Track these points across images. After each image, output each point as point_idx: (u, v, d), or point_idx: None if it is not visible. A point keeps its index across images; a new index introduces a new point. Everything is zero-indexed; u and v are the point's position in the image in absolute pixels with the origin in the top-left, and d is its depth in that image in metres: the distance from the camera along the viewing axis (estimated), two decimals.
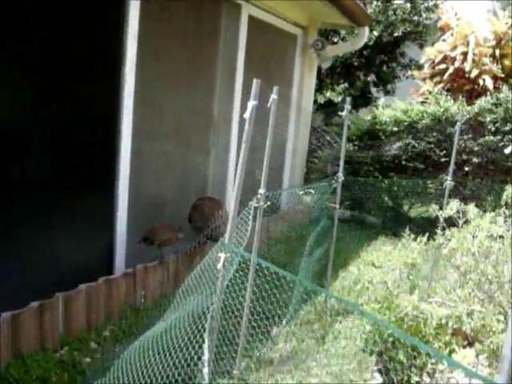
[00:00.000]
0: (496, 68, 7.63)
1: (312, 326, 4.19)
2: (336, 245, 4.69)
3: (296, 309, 4.14)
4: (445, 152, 7.24)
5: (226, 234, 2.30)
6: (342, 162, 4.29)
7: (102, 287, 3.68)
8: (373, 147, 7.52)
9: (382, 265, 5.06)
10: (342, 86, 10.22)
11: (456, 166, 7.23)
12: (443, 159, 7.26)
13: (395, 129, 7.42)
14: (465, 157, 7.15)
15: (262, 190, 3.17)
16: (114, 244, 4.29)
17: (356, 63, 10.35)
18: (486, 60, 7.65)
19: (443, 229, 4.13)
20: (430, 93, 8.46)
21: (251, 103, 2.15)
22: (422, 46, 11.28)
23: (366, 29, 7.46)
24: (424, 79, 8.60)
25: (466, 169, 7.18)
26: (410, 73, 11.01)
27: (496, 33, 7.85)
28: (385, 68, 10.82)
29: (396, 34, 9.88)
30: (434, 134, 7.24)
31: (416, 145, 7.33)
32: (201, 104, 5.44)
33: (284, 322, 3.96)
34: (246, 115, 2.15)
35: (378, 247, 6.94)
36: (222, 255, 2.18)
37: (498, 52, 7.79)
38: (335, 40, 9.91)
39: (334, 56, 8.01)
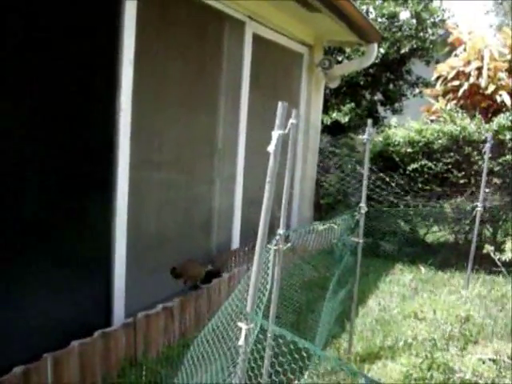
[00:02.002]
0: None
1: (337, 376, 3.70)
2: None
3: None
4: (463, 173, 6.81)
5: (249, 297, 1.85)
6: (364, 191, 3.85)
7: (98, 343, 3.21)
8: (386, 170, 7.08)
9: (426, 317, 4.57)
10: (349, 105, 9.82)
11: (475, 188, 6.84)
12: (462, 181, 6.83)
13: (409, 150, 7.00)
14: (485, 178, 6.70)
15: (281, 230, 2.72)
16: (112, 289, 3.82)
17: (362, 82, 9.97)
18: (502, 75, 7.27)
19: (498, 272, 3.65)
20: (444, 111, 8.07)
21: (276, 133, 1.72)
22: (428, 63, 10.91)
23: (375, 46, 7.09)
24: (436, 97, 8.20)
25: (487, 190, 6.73)
26: (417, 90, 10.64)
27: (511, 46, 7.48)
28: (391, 86, 10.43)
29: (403, 51, 9.52)
30: (452, 154, 6.81)
31: (432, 166, 6.90)
32: (203, 129, 5.03)
33: (305, 375, 3.48)
34: (271, 148, 1.72)
35: (397, 278, 6.47)
36: (244, 326, 1.72)
37: None
38: (340, 59, 9.54)
39: (342, 75, 7.63)
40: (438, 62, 10.91)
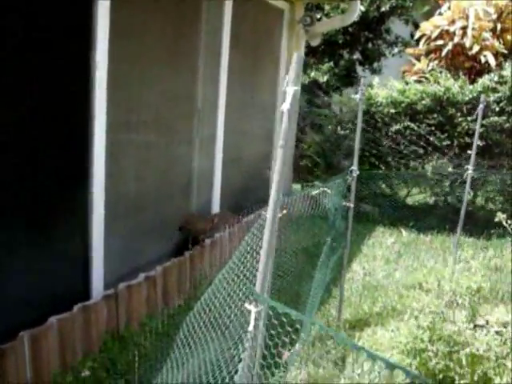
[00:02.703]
0: (498, 44, 7.09)
1: (327, 345, 3.59)
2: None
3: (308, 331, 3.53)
4: (446, 135, 6.69)
5: (258, 276, 1.65)
6: (356, 154, 3.66)
7: (78, 317, 3.00)
8: (368, 131, 6.91)
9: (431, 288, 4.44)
10: (327, 65, 9.57)
11: (458, 149, 6.75)
12: (445, 143, 6.72)
13: (392, 110, 6.83)
14: (468, 139, 6.61)
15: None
16: (90, 259, 3.58)
17: (340, 41, 9.70)
18: (487, 35, 7.09)
19: None
20: (424, 71, 7.89)
21: (291, 89, 1.50)
22: (407, 22, 10.71)
23: (358, 2, 6.81)
24: (419, 56, 8.00)
25: (469, 152, 6.64)
26: (396, 50, 10.44)
27: (497, 6, 7.28)
28: (370, 46, 10.19)
29: (383, 9, 9.26)
30: (435, 115, 6.67)
31: (415, 127, 6.76)
32: (182, 88, 4.73)
33: (297, 345, 3.36)
34: (285, 106, 1.50)
35: (379, 241, 6.39)
36: (253, 309, 1.53)
37: (499, 26, 7.24)
38: (318, 17, 9.22)
39: (323, 32, 7.34)
40: (415, 23, 10.70)
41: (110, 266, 3.71)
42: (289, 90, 1.48)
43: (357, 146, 3.67)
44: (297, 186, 8.21)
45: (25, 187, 2.98)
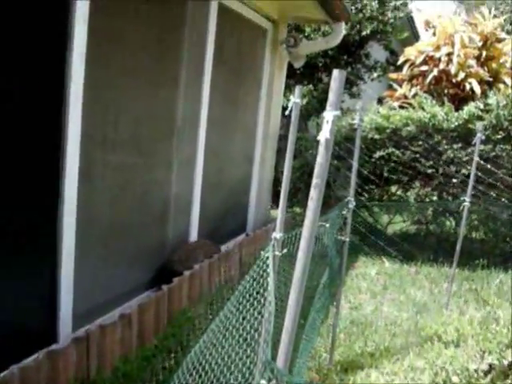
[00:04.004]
0: (482, 71, 7.01)
1: None
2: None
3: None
4: (431, 163, 6.53)
5: (281, 347, 1.33)
6: (353, 183, 3.40)
7: (43, 365, 2.62)
8: (351, 156, 6.68)
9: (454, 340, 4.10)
10: (306, 88, 9.39)
11: (443, 178, 6.59)
12: (429, 170, 6.55)
13: (376, 136, 6.64)
14: (453, 168, 6.46)
15: (278, 234, 2.22)
16: (58, 293, 3.22)
17: (320, 64, 9.55)
18: (472, 62, 7.01)
19: None
20: (406, 97, 7.77)
21: (331, 114, 1.22)
22: (386, 47, 10.67)
23: (342, 25, 6.66)
24: (401, 82, 7.88)
25: (454, 181, 6.50)
26: (375, 75, 10.35)
27: (482, 33, 7.22)
28: (349, 69, 10.07)
29: (364, 33, 9.15)
30: (420, 142, 6.51)
31: (400, 154, 6.58)
32: (162, 105, 4.40)
33: None
34: (323, 136, 1.21)
35: (362, 272, 6.13)
36: None
37: (484, 54, 7.17)
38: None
39: (307, 54, 7.15)
40: (391, 49, 10.67)
41: (79, 299, 3.35)
42: (327, 115, 1.20)
43: (354, 175, 3.41)
44: (275, 213, 7.93)
45: None
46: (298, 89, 2.18)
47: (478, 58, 7.17)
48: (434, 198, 6.61)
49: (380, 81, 10.34)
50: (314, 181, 1.27)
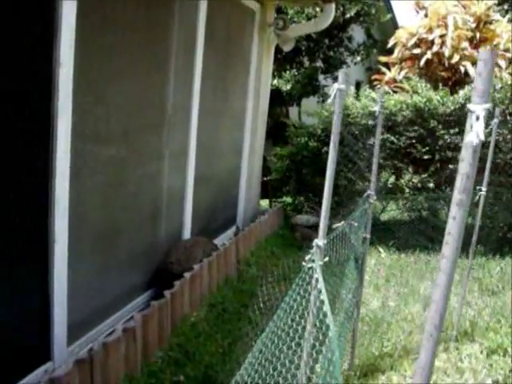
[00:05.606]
0: (477, 53, 6.81)
1: None
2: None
3: None
4: (427, 148, 6.32)
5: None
6: (374, 175, 3.13)
7: None
8: (343, 143, 6.43)
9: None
10: (289, 72, 9.08)
11: (440, 165, 6.40)
12: (426, 156, 6.34)
13: (370, 122, 6.39)
14: (450, 154, 6.26)
15: (320, 241, 1.94)
16: (51, 303, 2.89)
17: (303, 47, 9.23)
18: (466, 44, 6.79)
19: None
20: (395, 81, 7.54)
21: (480, 108, 0.94)
22: (368, 30, 10.42)
23: (333, 5, 6.34)
24: (393, 65, 7.62)
25: (451, 166, 6.30)
26: (358, 58, 10.09)
27: (475, 14, 7.00)
28: (332, 53, 9.78)
29: (348, 16, 8.87)
30: (416, 127, 6.28)
31: (395, 140, 6.35)
32: (151, 93, 4.03)
33: None
34: (474, 138, 0.93)
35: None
36: None
37: (478, 35, 6.96)
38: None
39: (297, 37, 6.83)
40: (368, 34, 10.42)
41: (74, 308, 3.04)
42: (477, 109, 0.91)
43: (375, 167, 3.14)
44: (264, 203, 7.66)
45: None
46: (341, 74, 1.89)
47: (471, 40, 6.96)
48: (430, 185, 6.41)
49: (363, 64, 10.09)
50: (458, 197, 0.99)
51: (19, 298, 2.71)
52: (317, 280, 1.74)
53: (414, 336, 3.98)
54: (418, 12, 7.52)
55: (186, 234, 4.84)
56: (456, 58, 6.67)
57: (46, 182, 2.78)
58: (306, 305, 1.79)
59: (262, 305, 3.59)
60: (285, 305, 1.81)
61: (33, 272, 2.83)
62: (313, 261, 1.92)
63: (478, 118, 0.95)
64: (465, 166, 0.98)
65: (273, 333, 1.79)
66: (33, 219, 2.76)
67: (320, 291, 1.76)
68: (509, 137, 5.97)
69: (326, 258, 2.02)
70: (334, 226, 2.66)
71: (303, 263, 1.92)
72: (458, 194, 0.99)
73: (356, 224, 2.63)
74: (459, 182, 0.99)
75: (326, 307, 1.65)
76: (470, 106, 0.99)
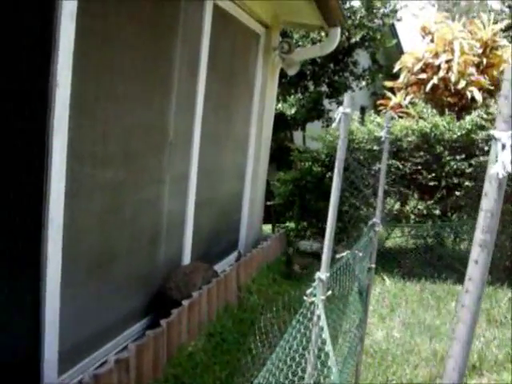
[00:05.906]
0: (483, 79, 6.75)
1: None
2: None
3: None
4: (433, 175, 6.21)
5: None
6: (379, 202, 3.03)
7: None
8: (349, 169, 6.34)
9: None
10: (294, 96, 9.04)
11: (446, 191, 6.28)
12: (432, 183, 6.24)
13: (375, 147, 6.30)
14: (456, 180, 6.15)
15: (323, 274, 1.82)
16: (42, 329, 2.77)
17: (308, 72, 9.20)
18: (473, 70, 6.74)
19: None
20: (401, 106, 7.47)
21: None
22: (374, 55, 10.40)
23: (338, 30, 6.32)
24: (399, 90, 7.57)
25: (457, 193, 6.19)
26: (363, 83, 10.05)
27: (481, 40, 6.97)
28: (337, 78, 9.74)
29: (353, 40, 8.85)
30: (421, 153, 6.19)
31: (400, 166, 6.25)
32: (152, 116, 3.95)
33: None
34: (500, 170, 0.83)
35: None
36: None
37: (484, 61, 6.91)
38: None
39: (302, 61, 6.81)
40: (374, 59, 10.40)
41: (66, 335, 2.91)
42: (502, 136, 0.81)
43: (380, 194, 3.03)
44: (267, 228, 7.55)
45: None
46: (346, 97, 1.80)
47: (477, 65, 6.91)
48: (436, 212, 6.29)
49: (369, 89, 10.05)
50: (480, 237, 0.88)
51: (9, 322, 2.60)
52: (318, 317, 1.62)
53: (419, 370, 3.83)
54: (423, 37, 7.49)
55: (186, 259, 4.73)
56: (462, 83, 6.61)
57: (40, 202, 2.69)
58: (306, 344, 1.67)
59: (262, 336, 3.45)
60: (284, 343, 1.69)
61: (24, 297, 2.72)
62: (314, 295, 1.80)
63: (504, 147, 0.84)
64: (489, 201, 0.88)
65: (271, 373, 1.66)
66: (25, 241, 2.66)
67: (322, 329, 1.64)
68: None
69: (329, 292, 1.90)
70: (338, 255, 2.55)
71: (304, 297, 1.81)
72: (481, 234, 0.88)
73: (361, 254, 2.52)
74: (482, 219, 0.88)
75: (329, 347, 1.53)
76: (494, 133, 0.89)
